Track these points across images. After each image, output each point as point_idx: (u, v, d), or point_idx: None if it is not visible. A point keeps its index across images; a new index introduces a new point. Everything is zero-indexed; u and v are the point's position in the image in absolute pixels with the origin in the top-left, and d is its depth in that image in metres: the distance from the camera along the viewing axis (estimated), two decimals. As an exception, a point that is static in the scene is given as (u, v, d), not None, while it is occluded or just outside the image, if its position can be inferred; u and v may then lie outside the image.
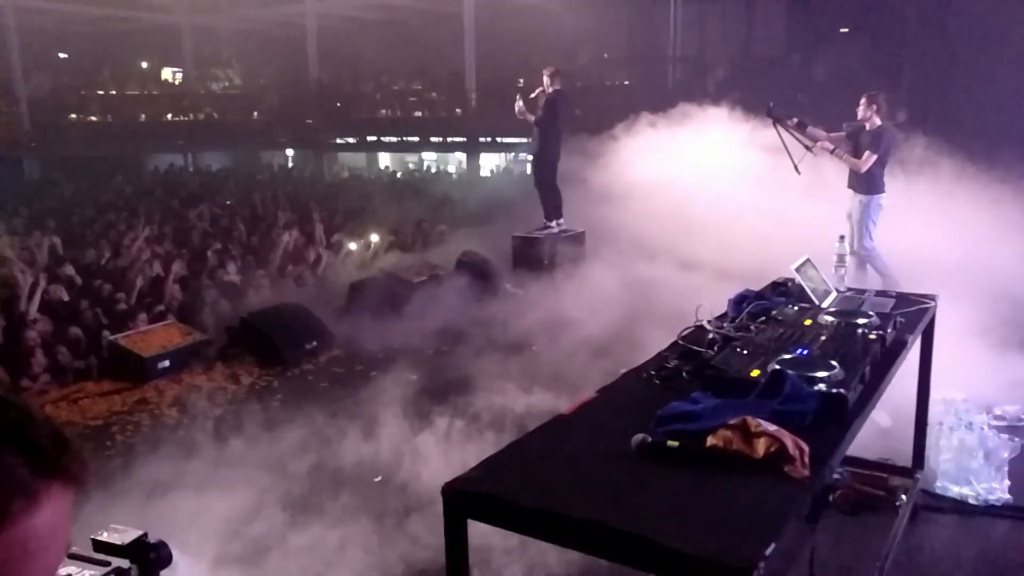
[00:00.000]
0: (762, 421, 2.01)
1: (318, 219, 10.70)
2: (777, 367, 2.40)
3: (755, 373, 2.46)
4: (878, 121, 6.93)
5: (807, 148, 6.67)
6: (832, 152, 6.87)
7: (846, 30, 17.98)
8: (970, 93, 11.85)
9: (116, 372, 6.30)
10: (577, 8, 17.52)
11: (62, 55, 24.04)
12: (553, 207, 8.92)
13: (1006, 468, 4.00)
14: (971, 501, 3.98)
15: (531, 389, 5.25)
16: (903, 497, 3.65)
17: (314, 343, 6.75)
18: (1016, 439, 4.07)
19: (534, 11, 19.10)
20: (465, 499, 1.84)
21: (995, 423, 4.42)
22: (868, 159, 6.85)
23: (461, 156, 21.64)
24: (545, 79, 8.55)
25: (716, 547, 1.54)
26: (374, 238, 10.08)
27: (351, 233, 10.23)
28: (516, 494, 1.81)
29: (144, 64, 24.69)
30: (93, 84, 22.60)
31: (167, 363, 6.30)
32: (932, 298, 3.55)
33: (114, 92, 22.45)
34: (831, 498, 3.60)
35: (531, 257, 8.57)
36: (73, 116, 21.80)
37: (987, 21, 12.13)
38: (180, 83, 24.28)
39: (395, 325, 7.03)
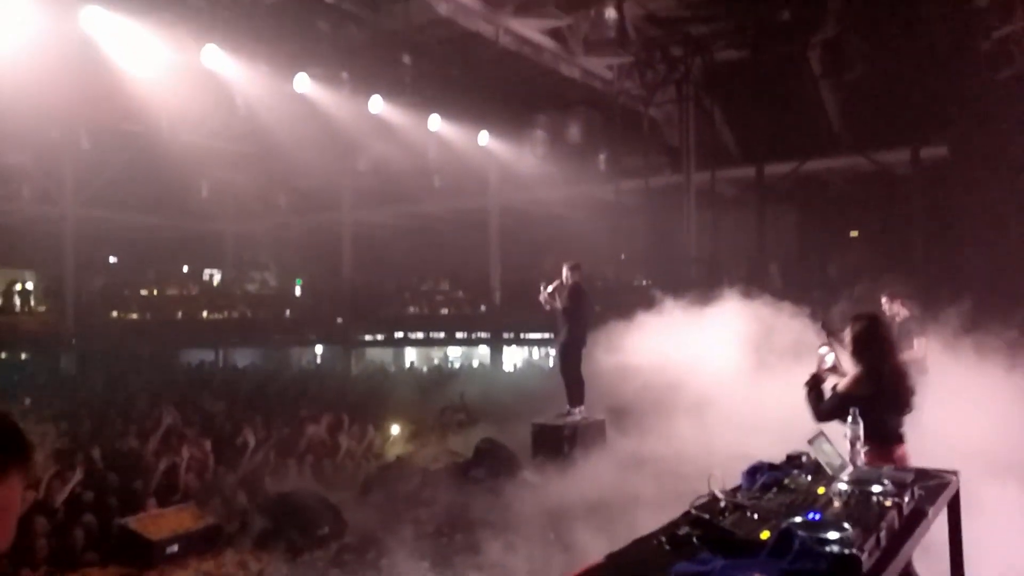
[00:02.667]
0: (771, 578, 1.96)
1: (342, 411, 10.79)
2: (785, 527, 2.36)
3: (765, 535, 2.42)
4: (906, 312, 7.30)
5: None
6: None
7: (855, 233, 18.75)
8: (977, 269, 12.03)
9: (123, 556, 6.13)
10: (596, 215, 18.59)
11: (112, 259, 25.60)
12: (576, 394, 8.93)
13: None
14: None
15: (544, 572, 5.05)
16: None
17: (326, 530, 6.60)
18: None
19: (556, 217, 20.26)
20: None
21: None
22: (923, 345, 7.21)
23: (485, 351, 22.01)
24: (565, 272, 8.87)
25: None
26: (395, 428, 10.11)
27: (373, 423, 10.26)
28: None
29: (186, 267, 26.15)
30: (137, 284, 23.83)
31: (175, 547, 6.15)
32: (953, 473, 3.47)
33: (155, 292, 23.60)
34: None
35: (551, 444, 8.45)
36: (115, 314, 22.80)
37: (990, 206, 12.53)
38: (218, 284, 25.55)
39: (410, 512, 6.88)
